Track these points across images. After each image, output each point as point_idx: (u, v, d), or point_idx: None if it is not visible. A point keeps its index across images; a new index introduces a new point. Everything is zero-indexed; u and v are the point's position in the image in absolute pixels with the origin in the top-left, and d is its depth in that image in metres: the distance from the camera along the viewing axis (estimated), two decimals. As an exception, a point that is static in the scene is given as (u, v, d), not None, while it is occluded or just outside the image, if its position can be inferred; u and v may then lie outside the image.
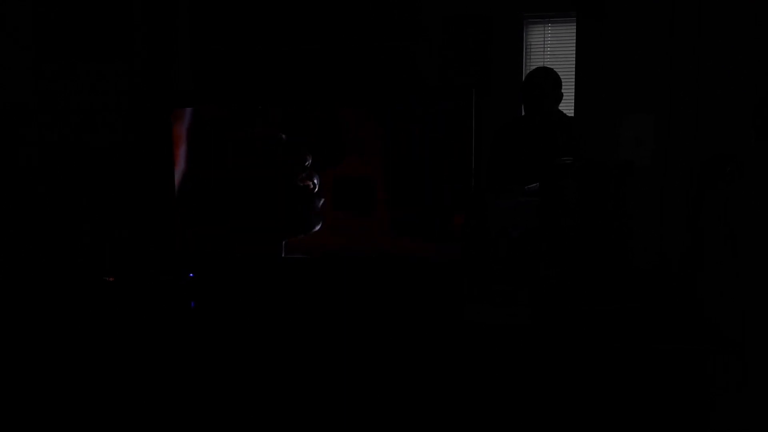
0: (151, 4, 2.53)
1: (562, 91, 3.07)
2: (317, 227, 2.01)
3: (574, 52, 3.45)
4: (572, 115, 3.20)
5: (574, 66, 3.51)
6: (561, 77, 3.08)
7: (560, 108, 3.11)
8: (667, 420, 1.59)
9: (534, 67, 3.46)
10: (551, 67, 3.22)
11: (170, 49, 2.52)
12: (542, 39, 4.15)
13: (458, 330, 1.73)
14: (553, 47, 4.13)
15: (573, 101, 3.16)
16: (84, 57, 2.57)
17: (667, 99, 2.27)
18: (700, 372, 1.55)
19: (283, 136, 1.99)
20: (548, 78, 3.05)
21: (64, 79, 2.59)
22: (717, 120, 2.19)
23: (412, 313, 1.91)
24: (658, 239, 2.20)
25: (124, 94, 2.56)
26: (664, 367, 1.59)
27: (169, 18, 2.53)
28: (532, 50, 4.16)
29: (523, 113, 3.38)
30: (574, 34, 3.51)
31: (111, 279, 2.16)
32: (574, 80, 3.04)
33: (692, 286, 1.99)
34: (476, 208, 2.07)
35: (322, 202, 2.01)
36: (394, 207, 2.06)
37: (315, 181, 1.97)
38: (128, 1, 2.55)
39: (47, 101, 2.61)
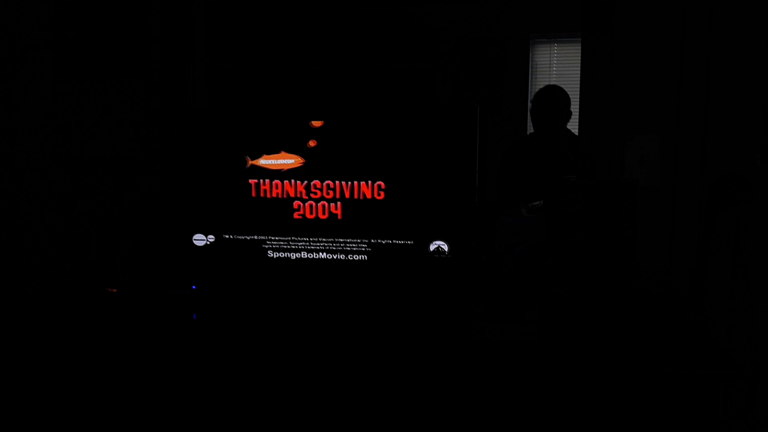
0: (167, 24, 2.55)
1: (570, 109, 3.07)
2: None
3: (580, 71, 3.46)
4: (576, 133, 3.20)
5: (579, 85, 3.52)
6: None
7: (567, 126, 3.11)
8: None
9: (541, 86, 3.47)
10: (559, 85, 3.23)
11: (186, 67, 2.54)
12: (548, 58, 4.18)
13: (465, 348, 1.71)
14: (559, 67, 4.15)
15: (578, 120, 3.16)
16: (99, 74, 2.60)
17: (675, 119, 2.26)
18: (710, 396, 1.52)
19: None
20: (558, 96, 3.06)
21: (82, 94, 2.62)
22: (725, 140, 2.18)
23: (417, 329, 1.89)
24: (665, 259, 2.18)
25: (139, 108, 2.59)
26: (673, 391, 1.57)
27: (186, 38, 2.55)
28: (539, 69, 4.18)
29: (530, 131, 3.38)
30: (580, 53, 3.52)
31: (113, 290, 2.15)
32: (579, 99, 3.04)
33: (701, 307, 1.98)
34: (482, 226, 2.06)
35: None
36: (395, 224, 2.05)
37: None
38: (145, 22, 2.57)
39: (65, 115, 2.63)
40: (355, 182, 2.06)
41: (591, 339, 1.70)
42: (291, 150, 2.09)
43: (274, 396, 1.81)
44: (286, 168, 2.08)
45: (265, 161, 2.10)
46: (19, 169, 2.64)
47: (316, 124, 2.06)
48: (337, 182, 2.08)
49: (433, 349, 1.73)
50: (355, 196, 2.07)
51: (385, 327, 1.93)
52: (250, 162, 2.10)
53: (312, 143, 2.07)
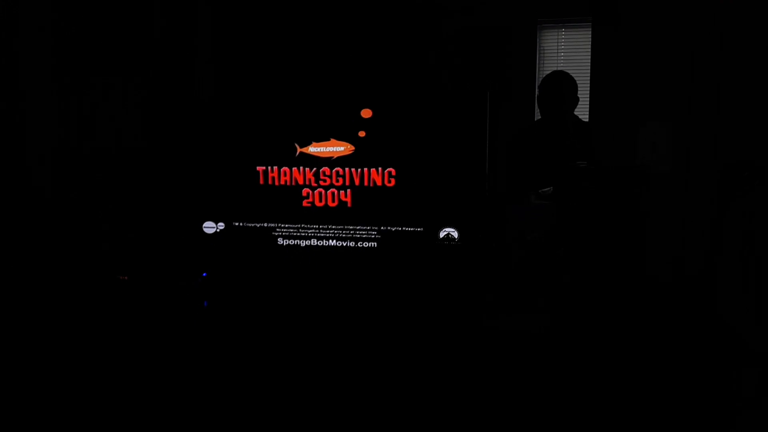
0: (172, 24, 2.55)
1: (578, 95, 3.04)
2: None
3: (589, 57, 3.43)
4: (587, 120, 3.18)
5: (588, 71, 3.50)
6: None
7: (575, 113, 3.09)
8: None
9: (549, 72, 3.44)
10: (566, 71, 3.21)
11: (191, 63, 2.55)
12: (556, 44, 4.14)
13: (475, 336, 1.70)
14: (567, 52, 4.12)
15: (588, 107, 3.14)
16: (103, 70, 2.60)
17: (687, 105, 2.24)
18: (723, 384, 1.52)
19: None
20: (565, 81, 3.03)
21: (86, 89, 2.62)
22: (738, 127, 2.16)
23: (427, 316, 1.89)
24: (677, 246, 2.17)
25: (142, 104, 2.60)
26: (685, 379, 1.57)
27: (191, 34, 2.56)
28: (546, 55, 4.15)
29: (537, 118, 3.36)
30: (589, 39, 3.50)
31: (125, 278, 2.15)
32: (589, 85, 3.03)
33: (712, 294, 1.97)
34: (492, 213, 2.05)
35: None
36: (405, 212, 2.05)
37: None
38: (149, 19, 2.57)
39: (71, 111, 2.63)
40: (365, 169, 2.06)
41: (600, 326, 1.70)
42: (341, 137, 2.08)
43: (283, 381, 1.81)
44: (336, 155, 2.08)
45: (314, 149, 2.09)
46: (28, 162, 2.64)
47: (366, 113, 2.06)
48: (347, 169, 2.08)
49: (442, 337, 1.73)
50: (366, 183, 2.06)
51: (395, 314, 1.92)
52: (300, 149, 2.09)
53: (362, 133, 2.07)
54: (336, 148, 2.07)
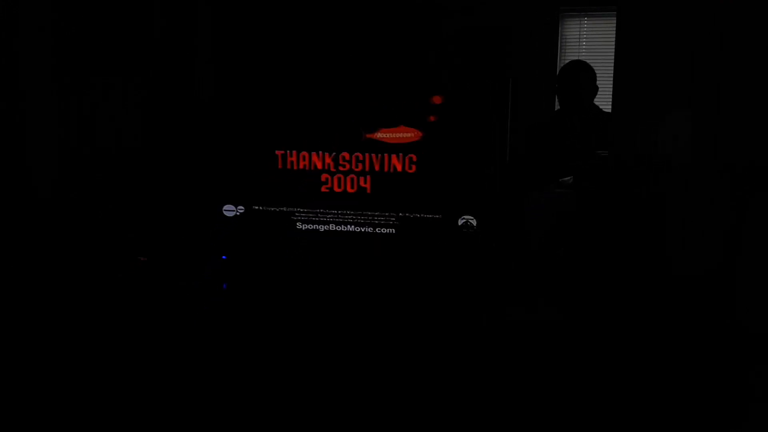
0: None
1: (597, 84, 3.02)
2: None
3: (612, 46, 3.40)
4: (609, 110, 3.16)
5: (612, 61, 3.47)
6: (598, 71, 3.04)
7: (597, 104, 3.06)
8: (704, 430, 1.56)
9: (567, 61, 3.41)
10: (588, 60, 3.18)
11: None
12: (578, 33, 4.10)
13: (493, 325, 1.71)
14: (589, 41, 4.08)
15: (611, 97, 3.11)
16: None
17: (710, 96, 2.21)
18: (739, 382, 1.52)
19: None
20: (584, 70, 3.01)
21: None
22: (761, 120, 2.13)
23: (445, 304, 1.89)
24: (696, 241, 2.15)
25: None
26: (702, 376, 1.56)
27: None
28: (568, 44, 4.11)
29: (557, 107, 3.34)
30: (611, 28, 3.46)
31: (143, 259, 2.17)
32: (612, 75, 3.00)
33: (731, 292, 1.95)
34: (511, 202, 2.05)
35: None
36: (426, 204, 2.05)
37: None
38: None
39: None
40: (386, 155, 2.06)
41: (618, 320, 1.69)
42: (410, 124, 2.08)
43: (301, 368, 1.82)
44: (405, 141, 2.08)
45: (382, 134, 2.10)
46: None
47: (437, 100, 2.06)
48: (366, 154, 2.08)
49: (460, 326, 1.74)
50: (386, 169, 2.06)
51: (412, 301, 1.93)
52: (366, 135, 2.10)
53: (432, 118, 2.06)
54: (404, 134, 2.07)
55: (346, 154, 2.09)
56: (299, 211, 2.16)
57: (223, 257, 2.19)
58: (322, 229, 2.14)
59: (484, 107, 2.02)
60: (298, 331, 1.84)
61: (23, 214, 2.60)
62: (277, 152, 2.13)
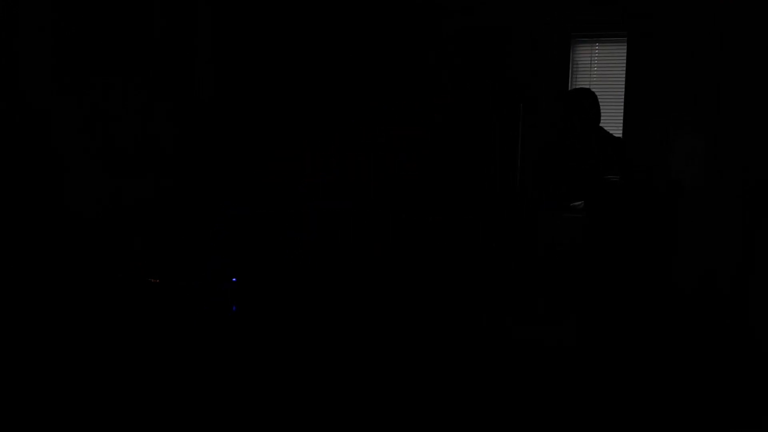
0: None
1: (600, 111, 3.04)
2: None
3: (623, 71, 3.41)
4: (620, 134, 3.16)
5: (623, 86, 3.47)
6: (609, 96, 3.05)
7: (608, 128, 3.06)
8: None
9: (573, 88, 3.44)
10: (599, 85, 3.20)
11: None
12: (589, 58, 4.11)
13: (502, 348, 1.69)
14: (600, 67, 4.08)
15: (622, 121, 3.12)
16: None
17: (720, 120, 2.21)
18: (754, 398, 1.49)
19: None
20: (584, 99, 3.05)
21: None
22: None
23: (459, 318, 1.88)
24: (709, 261, 2.13)
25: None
26: (715, 394, 1.54)
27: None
28: (579, 70, 4.12)
29: (566, 131, 3.34)
30: (622, 54, 3.47)
31: (156, 281, 2.18)
32: (623, 100, 3.02)
33: (744, 310, 1.93)
34: (523, 225, 2.05)
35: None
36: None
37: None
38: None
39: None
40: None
41: (629, 342, 1.67)
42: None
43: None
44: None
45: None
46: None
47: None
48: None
49: (470, 346, 1.72)
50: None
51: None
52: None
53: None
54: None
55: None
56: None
57: (233, 279, 2.20)
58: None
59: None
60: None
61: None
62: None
